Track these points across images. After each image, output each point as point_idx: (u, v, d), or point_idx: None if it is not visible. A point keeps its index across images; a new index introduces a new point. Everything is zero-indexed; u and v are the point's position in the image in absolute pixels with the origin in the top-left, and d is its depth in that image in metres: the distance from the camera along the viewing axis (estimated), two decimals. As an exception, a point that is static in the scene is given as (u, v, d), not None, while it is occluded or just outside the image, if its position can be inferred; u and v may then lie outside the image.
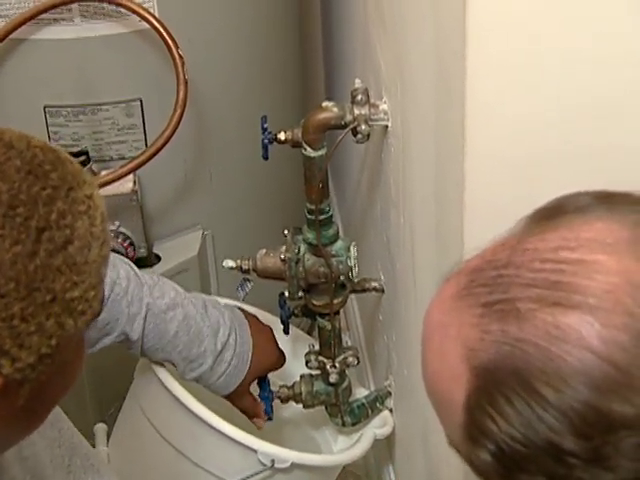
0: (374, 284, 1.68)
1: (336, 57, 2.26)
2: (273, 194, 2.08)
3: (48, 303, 0.75)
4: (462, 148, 1.00)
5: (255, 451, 1.48)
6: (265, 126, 1.50)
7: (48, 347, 0.76)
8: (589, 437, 0.70)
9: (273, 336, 1.59)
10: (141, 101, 1.77)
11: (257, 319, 1.58)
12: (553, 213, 0.77)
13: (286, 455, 1.49)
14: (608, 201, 0.77)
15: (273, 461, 1.49)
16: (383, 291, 1.67)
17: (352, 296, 2.13)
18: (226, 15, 1.84)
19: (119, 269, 1.42)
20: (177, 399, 1.48)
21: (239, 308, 1.57)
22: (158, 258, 1.90)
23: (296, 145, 1.48)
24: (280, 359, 1.61)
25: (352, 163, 1.91)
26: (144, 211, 1.85)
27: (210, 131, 1.89)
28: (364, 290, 1.69)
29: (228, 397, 1.54)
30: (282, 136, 1.48)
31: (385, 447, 1.85)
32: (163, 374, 1.51)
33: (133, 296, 1.41)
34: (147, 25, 1.66)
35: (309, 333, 1.95)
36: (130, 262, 1.48)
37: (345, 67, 2.05)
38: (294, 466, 1.50)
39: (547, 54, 0.95)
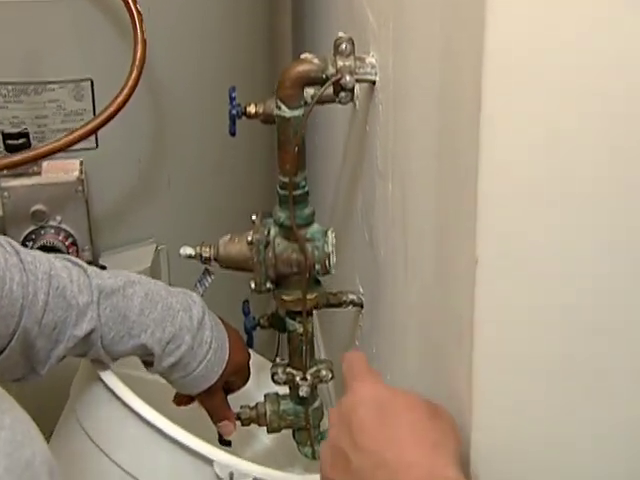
0: (351, 297, 1.47)
1: (307, 20, 2.07)
2: (238, 207, 1.88)
3: None
4: (479, 92, 0.80)
5: (211, 462, 1.26)
6: (233, 95, 1.33)
7: None
8: None
9: (241, 336, 1.40)
10: (92, 82, 1.57)
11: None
12: None
13: (247, 468, 1.26)
14: None
15: (232, 474, 1.26)
16: (362, 305, 1.47)
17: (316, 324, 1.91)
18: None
19: (53, 262, 1.21)
20: (118, 398, 1.27)
21: None
22: (104, 269, 1.68)
23: (267, 120, 1.30)
24: (248, 364, 1.42)
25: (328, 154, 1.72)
26: (91, 218, 1.63)
27: (168, 126, 1.70)
28: (340, 304, 1.48)
29: (199, 394, 1.35)
30: (252, 109, 1.32)
31: None
32: (107, 376, 1.30)
33: (79, 284, 1.20)
34: (102, -10, 1.48)
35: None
36: (68, 255, 1.28)
37: (318, 25, 1.87)
38: (256, 482, 1.28)
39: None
